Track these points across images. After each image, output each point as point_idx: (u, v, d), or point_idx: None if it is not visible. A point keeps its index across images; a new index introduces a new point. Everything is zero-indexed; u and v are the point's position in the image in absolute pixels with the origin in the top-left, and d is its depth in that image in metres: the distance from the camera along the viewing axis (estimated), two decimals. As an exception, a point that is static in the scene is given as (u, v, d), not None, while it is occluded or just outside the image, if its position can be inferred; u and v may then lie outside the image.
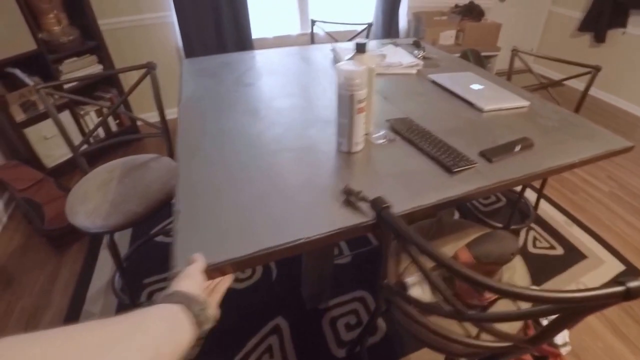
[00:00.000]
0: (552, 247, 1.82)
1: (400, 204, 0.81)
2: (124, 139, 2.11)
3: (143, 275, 1.65)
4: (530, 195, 2.16)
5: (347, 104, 0.90)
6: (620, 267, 1.73)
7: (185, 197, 0.82)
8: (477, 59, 2.94)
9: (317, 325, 1.45)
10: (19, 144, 2.05)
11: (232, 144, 1.03)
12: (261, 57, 1.70)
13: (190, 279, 0.51)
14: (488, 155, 0.97)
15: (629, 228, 1.96)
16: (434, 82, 1.42)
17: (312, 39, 2.22)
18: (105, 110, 2.26)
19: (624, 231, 1.94)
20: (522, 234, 1.89)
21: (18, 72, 1.97)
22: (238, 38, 2.56)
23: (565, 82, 3.75)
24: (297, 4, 2.72)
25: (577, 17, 3.46)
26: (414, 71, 1.50)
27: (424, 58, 1.68)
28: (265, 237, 0.71)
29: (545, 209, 2.07)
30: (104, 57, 2.26)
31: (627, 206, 2.12)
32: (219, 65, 1.59)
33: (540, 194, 1.92)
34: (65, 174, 2.25)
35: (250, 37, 2.59)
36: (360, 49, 0.96)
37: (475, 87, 1.36)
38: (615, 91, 3.38)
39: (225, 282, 0.64)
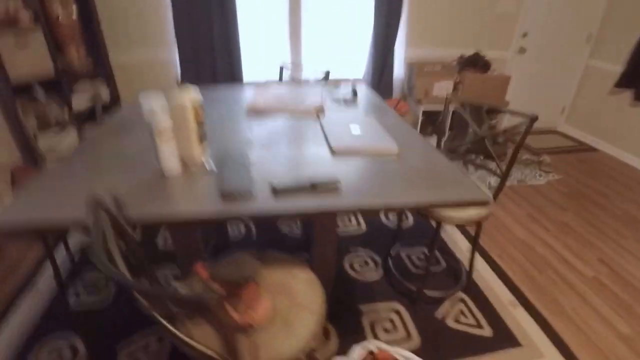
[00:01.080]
0: (478, 326, 1.63)
1: (146, 210, 0.97)
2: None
3: (87, 270, 1.94)
4: (482, 264, 1.96)
5: (151, 132, 1.06)
6: (564, 368, 1.48)
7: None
8: (475, 114, 2.84)
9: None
10: (33, 151, 2.55)
11: (109, 159, 1.27)
12: (215, 95, 1.96)
13: None
14: (278, 190, 1.02)
15: (601, 324, 1.66)
16: (320, 123, 1.49)
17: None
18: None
19: (592, 327, 1.65)
20: (446, 303, 1.72)
21: (38, 91, 2.51)
22: (231, 79, 2.90)
23: (598, 148, 3.37)
24: (290, 52, 3.01)
25: (618, 72, 3.17)
26: (312, 112, 1.59)
27: (345, 102, 1.75)
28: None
29: (490, 282, 1.86)
30: (111, 84, 2.75)
31: (609, 297, 1.80)
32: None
33: (473, 254, 1.75)
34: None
35: (242, 79, 2.92)
36: (182, 84, 1.12)
37: (354, 129, 1.40)
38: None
39: None
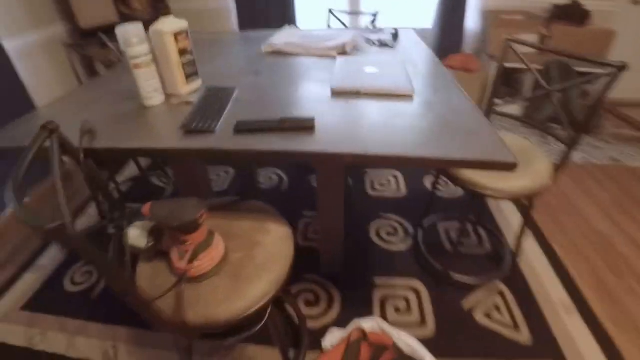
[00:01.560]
0: (513, 327, 1.32)
1: (111, 142, 0.89)
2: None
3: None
4: (536, 253, 1.59)
5: (126, 61, 0.98)
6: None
7: None
8: (564, 76, 2.28)
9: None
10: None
11: (106, 93, 1.24)
12: (247, 37, 1.83)
13: None
14: (239, 127, 0.87)
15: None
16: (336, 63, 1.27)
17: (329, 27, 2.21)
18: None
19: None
20: (479, 292, 1.42)
21: (103, 37, 2.63)
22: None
23: None
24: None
25: None
26: (332, 52, 1.36)
27: (381, 45, 1.48)
28: None
29: (542, 276, 1.50)
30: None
31: None
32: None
33: (521, 236, 1.40)
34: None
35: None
36: (165, 12, 1.05)
37: (369, 69, 1.17)
38: None
39: None
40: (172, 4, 2.75)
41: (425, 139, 0.81)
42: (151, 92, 1.04)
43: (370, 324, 1.20)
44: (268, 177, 2.17)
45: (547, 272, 1.52)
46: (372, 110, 0.95)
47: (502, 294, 1.43)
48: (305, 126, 0.84)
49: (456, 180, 1.20)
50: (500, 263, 1.56)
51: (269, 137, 0.83)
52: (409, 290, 1.46)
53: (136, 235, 0.87)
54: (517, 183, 1.13)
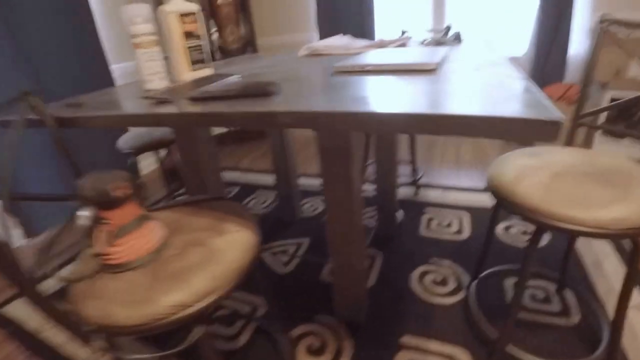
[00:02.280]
0: None
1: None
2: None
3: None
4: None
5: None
6: None
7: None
8: None
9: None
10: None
11: None
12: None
13: None
14: (195, 96, 0.75)
15: None
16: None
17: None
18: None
19: None
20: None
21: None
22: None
23: None
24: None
25: None
26: (371, 49, 1.18)
27: (437, 43, 1.26)
28: None
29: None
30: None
31: None
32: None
33: (622, 303, 0.90)
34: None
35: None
36: None
37: (395, 53, 0.96)
38: None
39: None
40: (262, 39, 2.94)
41: (417, 100, 0.55)
42: (151, 75, 0.99)
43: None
44: (313, 207, 1.98)
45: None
46: (366, 83, 0.72)
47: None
48: (265, 92, 0.66)
49: (509, 205, 0.84)
50: (594, 342, 1.04)
51: (220, 104, 0.68)
52: (447, 359, 1.06)
53: (85, 214, 0.76)
54: (608, 212, 0.72)
